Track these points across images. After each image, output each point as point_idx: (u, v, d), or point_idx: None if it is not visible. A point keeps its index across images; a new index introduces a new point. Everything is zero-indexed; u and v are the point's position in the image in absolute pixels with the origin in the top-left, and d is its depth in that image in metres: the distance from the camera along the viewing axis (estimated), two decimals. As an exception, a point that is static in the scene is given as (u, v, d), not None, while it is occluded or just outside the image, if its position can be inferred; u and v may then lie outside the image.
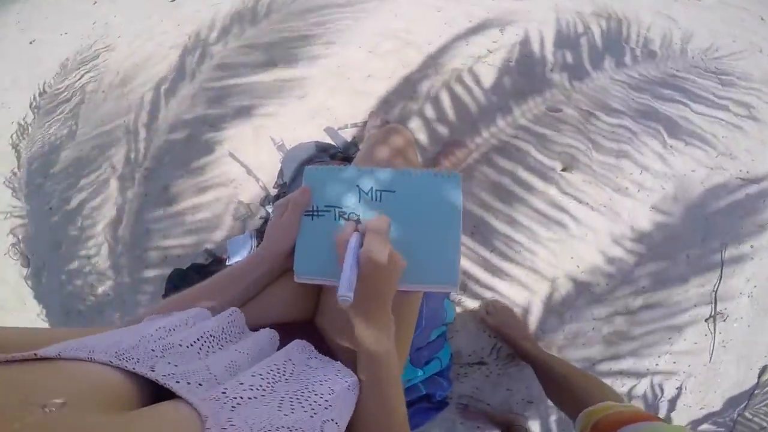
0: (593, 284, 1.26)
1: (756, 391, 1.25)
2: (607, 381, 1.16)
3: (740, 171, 1.38)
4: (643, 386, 1.24)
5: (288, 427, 0.37)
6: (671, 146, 1.40)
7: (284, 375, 0.45)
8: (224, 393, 0.37)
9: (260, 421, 0.36)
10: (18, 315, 1.71)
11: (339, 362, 0.53)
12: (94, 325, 1.52)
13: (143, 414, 0.33)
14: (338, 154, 1.27)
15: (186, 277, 1.32)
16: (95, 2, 2.63)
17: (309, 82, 1.64)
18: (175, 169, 1.60)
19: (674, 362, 1.23)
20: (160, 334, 0.45)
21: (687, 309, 1.25)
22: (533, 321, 1.25)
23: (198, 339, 0.47)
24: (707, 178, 1.36)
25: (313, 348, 0.55)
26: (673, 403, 1.25)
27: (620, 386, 1.24)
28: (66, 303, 1.60)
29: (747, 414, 1.24)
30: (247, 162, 1.54)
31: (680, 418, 1.25)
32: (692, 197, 1.34)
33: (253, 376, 0.41)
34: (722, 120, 1.45)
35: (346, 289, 0.44)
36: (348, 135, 1.51)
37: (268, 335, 0.53)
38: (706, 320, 1.25)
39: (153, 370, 0.38)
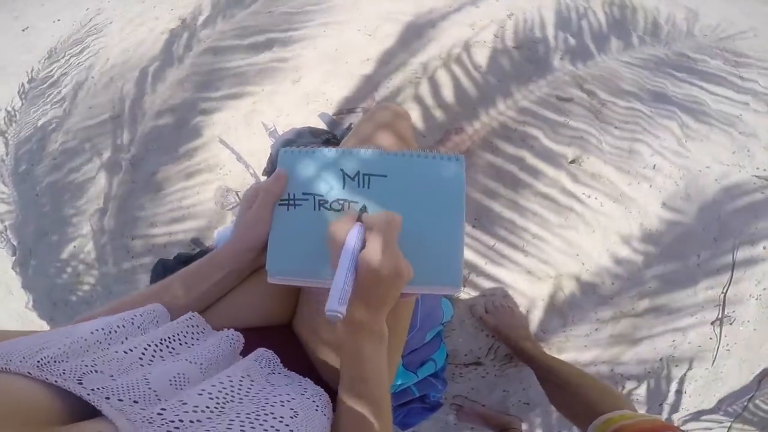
0: (598, 284, 1.20)
1: (755, 394, 1.21)
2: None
3: (757, 169, 1.31)
4: (642, 389, 1.18)
5: None
6: (686, 140, 1.33)
7: (238, 394, 0.38)
8: (160, 414, 0.31)
9: None
10: (5, 305, 1.67)
11: (307, 379, 0.46)
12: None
13: None
14: (332, 140, 1.21)
15: (171, 267, 1.26)
16: (90, -12, 2.57)
17: (304, 66, 1.57)
18: (162, 155, 1.54)
19: (676, 366, 1.18)
20: (98, 337, 0.39)
21: (694, 311, 1.19)
22: (535, 320, 1.19)
23: (142, 345, 0.40)
24: (722, 175, 1.29)
25: (278, 361, 0.48)
26: (673, 406, 1.20)
27: (619, 388, 1.19)
28: (53, 293, 1.56)
29: (746, 414, 1.20)
30: (237, 148, 1.48)
31: (678, 420, 1.21)
32: (706, 195, 1.27)
33: (200, 394, 0.35)
34: (740, 116, 1.38)
35: (336, 303, 0.36)
36: (344, 121, 1.44)
37: (229, 340, 0.46)
38: (712, 323, 1.19)
39: (80, 383, 0.32)
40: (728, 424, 1.19)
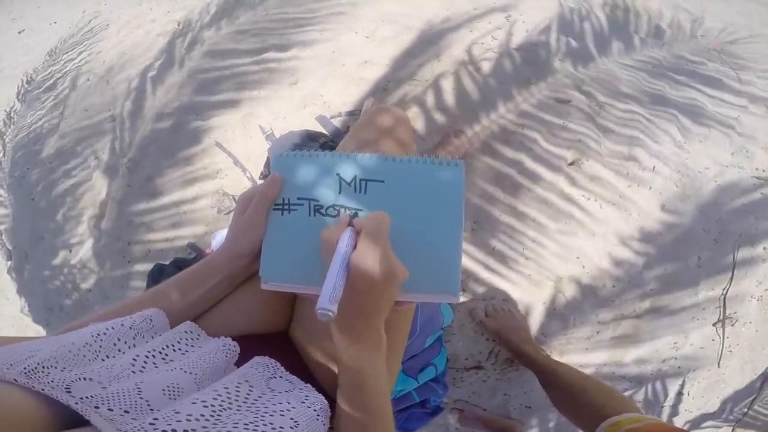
0: (599, 286, 1.20)
1: (758, 396, 1.20)
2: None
3: (756, 170, 1.31)
4: (645, 391, 1.18)
5: None
6: (685, 142, 1.33)
7: (236, 401, 0.37)
8: (152, 424, 0.30)
9: None
10: (1, 310, 1.65)
11: (309, 385, 0.45)
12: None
13: None
14: (330, 144, 1.20)
15: (167, 272, 1.25)
16: (86, -10, 2.57)
17: (302, 69, 1.56)
18: (160, 159, 1.53)
19: (678, 367, 1.18)
20: (87, 340, 0.38)
21: (695, 313, 1.19)
22: (535, 324, 1.18)
23: (135, 353, 0.39)
24: (721, 175, 1.29)
25: (278, 366, 0.46)
26: (674, 408, 1.19)
27: (621, 391, 1.18)
28: (49, 298, 1.54)
29: (747, 419, 1.19)
30: (234, 152, 1.47)
31: (681, 422, 1.20)
32: (705, 196, 1.27)
33: (194, 403, 0.34)
34: (738, 117, 1.38)
35: (327, 301, 0.35)
36: (341, 124, 1.44)
37: (225, 348, 0.45)
38: (714, 324, 1.18)
39: (69, 391, 0.31)
40: (731, 426, 1.18)
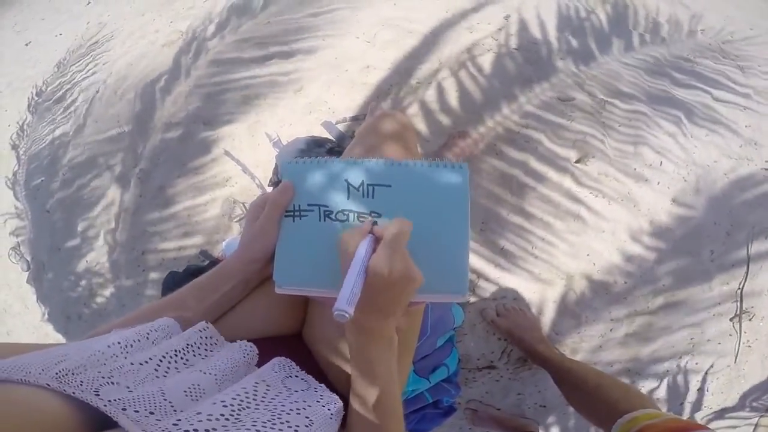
0: (611, 283, 1.19)
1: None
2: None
3: (766, 162, 1.29)
4: (663, 389, 1.17)
5: None
6: (692, 136, 1.32)
7: (254, 400, 0.39)
8: (176, 425, 0.31)
9: None
10: (21, 318, 1.69)
11: (323, 385, 0.46)
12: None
13: None
14: (336, 149, 1.21)
15: (181, 280, 1.27)
16: (89, 2, 2.61)
17: (305, 76, 1.57)
18: (170, 169, 1.55)
19: (696, 363, 1.16)
20: (114, 350, 0.39)
21: (710, 308, 1.17)
22: (547, 322, 1.18)
23: (157, 356, 0.41)
24: (731, 169, 1.28)
25: (294, 365, 0.48)
26: (694, 405, 1.18)
27: (638, 388, 1.17)
28: (67, 307, 1.58)
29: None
30: (243, 160, 1.49)
31: (702, 419, 1.19)
32: (715, 189, 1.25)
33: (214, 404, 0.35)
34: (744, 110, 1.36)
35: (345, 303, 0.36)
36: (346, 129, 1.45)
37: (243, 351, 0.46)
38: (731, 319, 1.17)
39: (98, 394, 0.32)
40: (754, 421, 1.17)
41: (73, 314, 1.55)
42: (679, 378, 1.16)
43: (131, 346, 0.41)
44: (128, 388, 0.35)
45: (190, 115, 1.62)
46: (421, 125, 1.39)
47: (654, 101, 1.37)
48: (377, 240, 0.43)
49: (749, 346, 1.17)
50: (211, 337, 0.47)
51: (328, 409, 0.42)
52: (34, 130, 2.00)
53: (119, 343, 0.40)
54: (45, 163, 1.83)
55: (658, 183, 1.26)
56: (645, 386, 1.17)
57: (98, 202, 1.63)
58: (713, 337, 1.17)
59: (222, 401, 0.36)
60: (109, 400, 0.32)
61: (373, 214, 0.50)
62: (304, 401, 0.42)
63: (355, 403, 0.44)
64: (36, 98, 2.15)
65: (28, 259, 1.71)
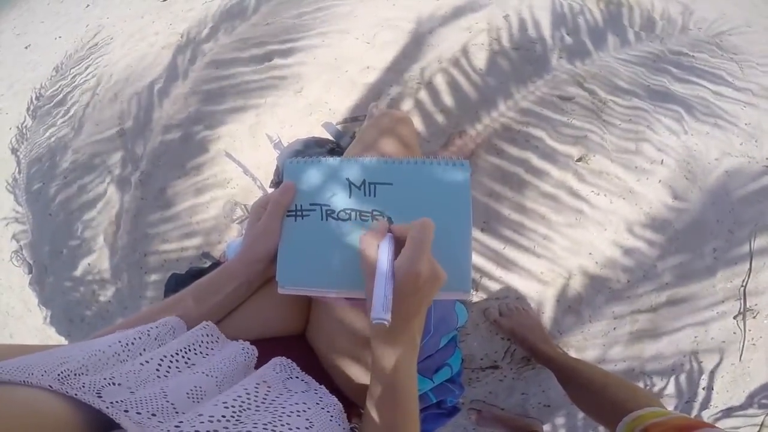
0: (612, 280, 1.19)
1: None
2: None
3: (766, 158, 1.29)
4: (668, 387, 1.16)
5: None
6: (692, 132, 1.32)
7: (255, 401, 0.39)
8: (178, 427, 0.31)
9: None
10: (24, 321, 1.69)
11: (323, 387, 0.46)
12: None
13: None
14: (337, 150, 1.21)
15: (183, 281, 1.27)
16: (88, 5, 2.61)
17: (305, 76, 1.57)
18: (171, 171, 1.55)
19: (700, 361, 1.16)
20: (116, 348, 0.39)
21: (714, 306, 1.17)
22: (550, 321, 1.18)
23: (159, 357, 0.41)
24: (731, 165, 1.28)
25: (295, 366, 0.48)
26: (700, 404, 1.17)
27: (643, 387, 1.17)
28: (69, 309, 1.58)
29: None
30: (243, 161, 1.49)
31: (708, 418, 1.18)
32: (716, 185, 1.25)
33: (215, 405, 0.35)
34: (744, 107, 1.36)
35: (381, 310, 0.36)
36: (347, 129, 1.44)
37: (243, 352, 0.47)
38: (734, 317, 1.16)
39: (100, 396, 0.32)
40: (761, 419, 1.16)
41: (76, 317, 1.55)
42: (684, 377, 1.16)
43: (132, 343, 0.41)
44: (130, 389, 0.35)
45: (190, 116, 1.62)
46: (420, 125, 1.38)
47: (654, 98, 1.37)
48: (396, 239, 0.43)
49: (754, 344, 1.16)
50: (211, 335, 0.47)
51: (328, 411, 0.42)
52: (34, 133, 2.00)
53: (120, 342, 0.40)
54: (46, 166, 1.83)
55: (660, 180, 1.26)
56: (650, 385, 1.16)
57: (100, 205, 1.63)
58: (717, 336, 1.16)
59: (223, 402, 0.36)
60: (112, 402, 0.32)
61: (374, 212, 0.50)
62: (305, 403, 0.42)
63: (373, 403, 0.44)
64: (36, 101, 2.16)
65: (30, 262, 1.71)
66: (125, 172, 1.63)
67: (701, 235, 1.20)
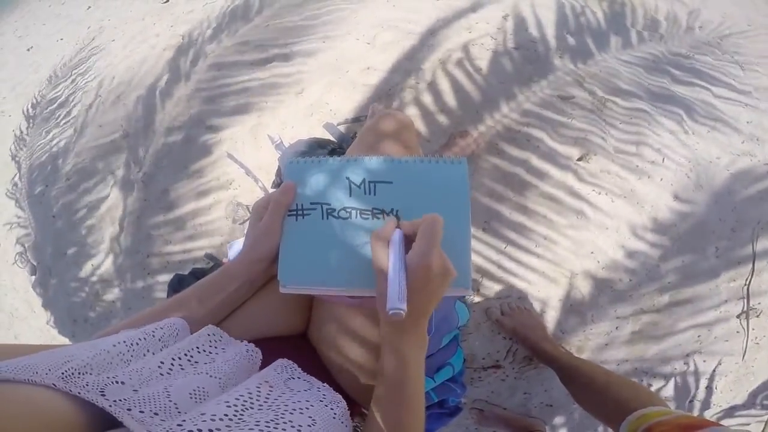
0: (615, 281, 1.19)
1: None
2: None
3: (769, 156, 1.29)
4: (671, 387, 1.16)
5: None
6: (693, 132, 1.32)
7: (257, 401, 0.39)
8: (180, 426, 0.32)
9: None
10: (28, 322, 1.71)
11: (326, 385, 0.47)
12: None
13: None
14: (338, 150, 1.21)
15: (187, 282, 1.28)
16: (89, 7, 2.62)
17: (306, 77, 1.58)
18: (173, 172, 1.56)
19: (704, 361, 1.16)
20: (120, 348, 0.40)
21: (717, 305, 1.16)
22: (552, 321, 1.18)
23: (163, 357, 0.41)
24: (734, 164, 1.27)
25: (296, 367, 0.48)
26: (703, 403, 1.17)
27: (647, 387, 1.16)
28: (73, 310, 1.58)
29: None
30: (245, 162, 1.49)
31: (710, 417, 1.18)
32: (719, 185, 1.25)
33: (218, 404, 0.36)
34: (746, 106, 1.36)
35: (397, 300, 0.37)
36: (348, 130, 1.45)
37: (247, 354, 0.47)
38: (738, 316, 1.16)
39: (103, 394, 0.33)
40: (765, 418, 1.16)
41: (80, 317, 1.56)
42: (688, 376, 1.16)
43: (137, 344, 0.42)
44: (133, 387, 0.35)
45: (192, 118, 1.62)
46: (421, 125, 1.39)
47: (654, 98, 1.37)
48: (405, 236, 0.44)
49: (757, 343, 1.16)
50: (214, 334, 0.48)
51: (332, 409, 0.43)
52: (36, 136, 2.01)
53: (124, 342, 0.41)
54: (48, 170, 1.84)
55: (661, 179, 1.26)
56: (653, 385, 1.16)
57: (103, 207, 1.63)
58: (720, 335, 1.16)
59: (226, 402, 0.37)
60: (115, 401, 0.32)
61: (375, 211, 0.51)
62: (307, 401, 0.42)
63: (382, 400, 0.45)
64: (38, 103, 2.16)
65: (34, 263, 1.72)
66: (128, 174, 1.64)
67: (704, 234, 1.20)
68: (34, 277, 1.71)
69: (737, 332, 1.16)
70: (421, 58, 1.51)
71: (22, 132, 2.08)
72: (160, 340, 0.44)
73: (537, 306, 1.18)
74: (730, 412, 1.17)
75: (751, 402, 1.17)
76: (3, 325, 1.79)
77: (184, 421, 0.32)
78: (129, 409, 0.32)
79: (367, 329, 0.57)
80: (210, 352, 0.45)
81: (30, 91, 2.27)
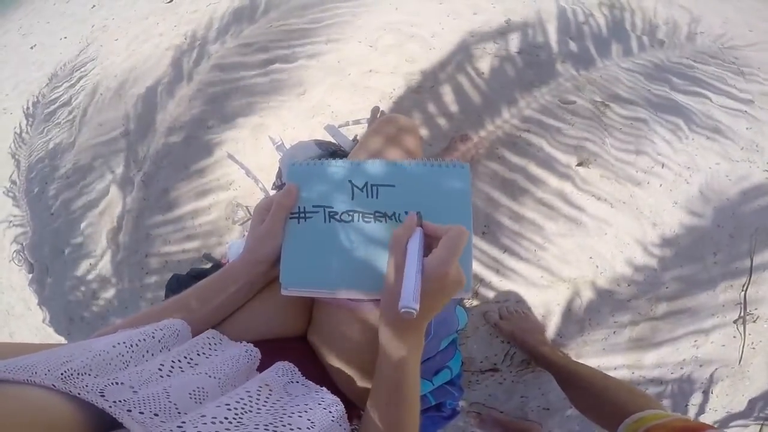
0: (614, 287, 1.19)
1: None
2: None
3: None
4: (667, 392, 1.16)
5: None
6: (692, 140, 1.32)
7: (257, 404, 0.39)
8: (180, 427, 0.32)
9: None
10: (24, 320, 1.69)
11: (324, 388, 0.46)
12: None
13: None
14: (339, 152, 1.21)
15: (185, 282, 1.28)
16: (93, 6, 2.63)
17: (308, 79, 1.59)
18: (173, 172, 1.56)
19: (700, 366, 1.16)
20: (120, 350, 0.40)
21: (715, 312, 1.17)
22: (550, 326, 1.18)
23: (163, 359, 0.41)
24: (733, 171, 1.28)
25: (296, 370, 0.48)
26: (699, 408, 1.17)
27: (645, 391, 1.16)
28: (69, 309, 1.58)
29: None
30: (246, 163, 1.49)
31: (707, 421, 1.17)
32: (718, 192, 1.26)
33: (218, 407, 0.36)
34: (745, 113, 1.37)
35: (411, 300, 0.37)
36: (349, 132, 1.45)
37: (246, 354, 0.47)
38: (734, 321, 1.16)
39: (103, 395, 0.33)
40: (759, 425, 1.16)
41: (76, 316, 1.55)
42: (683, 382, 1.15)
43: (136, 345, 0.42)
44: (133, 388, 0.35)
45: (193, 118, 1.63)
46: (422, 129, 1.39)
47: (654, 106, 1.38)
48: (427, 236, 0.44)
49: (753, 348, 1.16)
50: (214, 337, 0.48)
51: (330, 412, 0.43)
52: (38, 133, 2.01)
53: (124, 343, 0.41)
54: (47, 168, 1.84)
55: (660, 186, 1.26)
56: (649, 390, 1.16)
57: (102, 206, 1.63)
58: (717, 341, 1.16)
59: (226, 404, 0.37)
60: (114, 401, 0.32)
61: (377, 214, 0.51)
62: (306, 404, 0.42)
63: (378, 400, 0.45)
64: (39, 101, 2.17)
65: (32, 261, 1.71)
66: (128, 173, 1.64)
67: (702, 240, 1.21)
68: (31, 275, 1.70)
69: (734, 337, 1.16)
70: (423, 61, 1.52)
71: (22, 130, 2.08)
72: (159, 341, 0.44)
73: (535, 311, 1.19)
74: (728, 418, 1.17)
75: (747, 406, 1.17)
76: (-1, 322, 1.78)
77: (185, 422, 0.33)
78: (129, 410, 0.32)
79: (367, 333, 0.57)
80: (209, 355, 0.45)
81: (32, 88, 2.27)
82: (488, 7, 1.63)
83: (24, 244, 1.74)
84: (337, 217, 0.51)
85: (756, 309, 1.17)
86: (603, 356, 1.16)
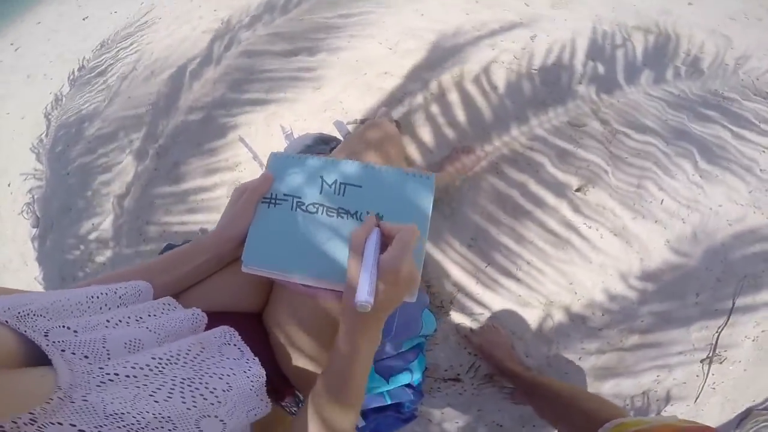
0: (589, 315, 1.18)
1: None
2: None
3: (774, 212, 1.25)
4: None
5: (154, 414, 0.35)
6: (701, 176, 1.29)
7: (184, 359, 0.42)
8: (101, 369, 0.36)
9: (121, 403, 0.34)
10: (17, 275, 1.77)
11: (257, 360, 0.49)
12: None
13: (10, 374, 0.32)
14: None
15: (178, 253, 1.34)
16: (147, -17, 2.75)
17: (326, 74, 1.64)
18: (187, 148, 1.64)
19: (657, 400, 1.13)
20: (79, 298, 0.44)
21: (684, 349, 1.15)
22: (519, 344, 1.18)
23: (114, 314, 0.45)
24: (734, 215, 1.25)
25: (236, 334, 0.51)
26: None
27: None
28: (64, 268, 1.65)
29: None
30: (255, 148, 1.55)
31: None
32: (713, 234, 1.23)
33: (144, 355, 0.39)
34: (760, 156, 1.32)
35: (366, 294, 0.40)
36: (355, 130, 1.49)
37: (192, 317, 0.50)
38: (701, 361, 1.14)
39: (46, 335, 0.37)
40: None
41: (68, 276, 1.62)
42: (637, 413, 1.12)
43: (97, 297, 0.46)
44: (76, 333, 0.39)
45: (214, 100, 1.70)
46: (427, 136, 1.41)
47: (669, 135, 1.34)
48: (384, 236, 0.47)
49: (713, 389, 1.13)
50: (168, 304, 0.52)
51: (251, 381, 0.45)
52: (70, 100, 2.14)
53: (85, 294, 0.45)
54: (73, 131, 1.96)
55: (656, 221, 1.24)
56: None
57: (114, 170, 1.73)
58: (680, 378, 1.14)
59: (152, 354, 0.40)
60: (54, 342, 0.36)
61: (340, 210, 0.55)
62: (231, 368, 0.45)
63: (324, 390, 0.47)
64: (79, 71, 2.30)
65: (39, 215, 1.81)
66: (144, 144, 1.73)
67: (688, 281, 1.18)
68: (35, 229, 1.79)
69: (696, 376, 1.13)
70: (439, 69, 1.54)
71: (62, 94, 2.22)
72: (120, 297, 0.48)
73: (508, 327, 1.19)
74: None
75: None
76: (-8, 274, 1.86)
77: (107, 365, 0.36)
78: (63, 351, 0.36)
79: (316, 319, 0.60)
80: (159, 317, 0.48)
81: (75, 58, 2.40)
82: (516, 22, 1.62)
83: (36, 197, 1.85)
84: (303, 207, 0.55)
85: (725, 351, 1.14)
86: (564, 378, 1.14)
